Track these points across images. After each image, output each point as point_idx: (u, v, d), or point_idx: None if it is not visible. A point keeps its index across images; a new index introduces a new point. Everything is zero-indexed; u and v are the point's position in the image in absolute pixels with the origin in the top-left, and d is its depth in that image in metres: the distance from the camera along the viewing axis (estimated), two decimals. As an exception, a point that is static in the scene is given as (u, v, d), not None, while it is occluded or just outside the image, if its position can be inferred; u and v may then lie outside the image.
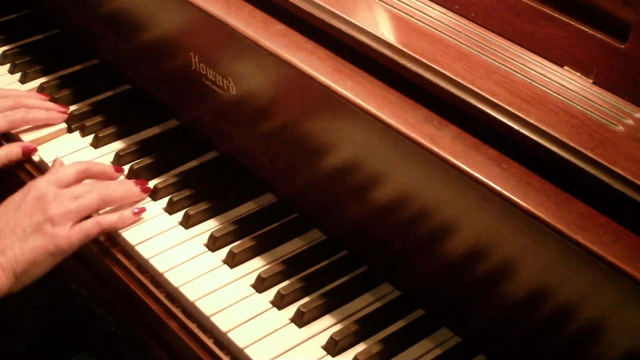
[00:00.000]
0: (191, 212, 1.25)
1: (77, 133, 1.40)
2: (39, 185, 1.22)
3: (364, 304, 1.16)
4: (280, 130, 1.23)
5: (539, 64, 1.10)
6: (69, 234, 1.18)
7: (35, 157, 1.36)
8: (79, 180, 1.26)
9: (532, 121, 0.99)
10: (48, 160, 1.34)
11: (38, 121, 1.39)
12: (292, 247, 1.23)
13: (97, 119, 1.41)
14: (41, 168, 1.35)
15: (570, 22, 1.09)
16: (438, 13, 1.18)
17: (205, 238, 1.23)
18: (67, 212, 1.19)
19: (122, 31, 1.46)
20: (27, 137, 1.38)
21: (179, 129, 1.43)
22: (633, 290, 0.89)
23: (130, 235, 1.22)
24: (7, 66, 1.53)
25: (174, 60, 1.36)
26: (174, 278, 1.17)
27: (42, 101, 1.43)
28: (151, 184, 1.30)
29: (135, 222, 1.24)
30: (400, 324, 1.14)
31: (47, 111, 1.41)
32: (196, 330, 1.13)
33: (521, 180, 0.98)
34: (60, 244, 1.17)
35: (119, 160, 1.34)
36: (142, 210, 1.25)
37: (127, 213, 1.23)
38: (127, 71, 1.50)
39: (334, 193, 1.20)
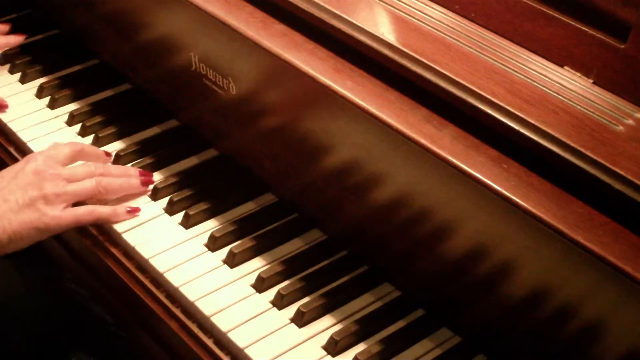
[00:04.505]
0: (191, 212, 1.25)
1: (75, 128, 1.41)
2: (38, 158, 1.23)
3: (364, 304, 1.16)
4: (280, 130, 1.23)
5: (539, 64, 1.10)
6: (60, 215, 1.19)
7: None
8: (74, 159, 1.27)
9: (532, 121, 0.99)
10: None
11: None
12: (292, 247, 1.23)
13: (97, 119, 1.41)
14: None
15: (570, 22, 1.09)
16: (438, 13, 1.18)
17: (205, 238, 1.23)
18: (63, 193, 1.20)
19: (122, 31, 1.46)
20: (25, 136, 1.38)
21: (179, 129, 1.43)
22: (633, 290, 0.89)
23: (130, 235, 1.22)
24: (7, 66, 1.53)
25: (174, 60, 1.36)
26: (174, 278, 1.17)
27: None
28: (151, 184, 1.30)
29: (127, 219, 1.23)
30: (400, 324, 1.14)
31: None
32: (196, 330, 1.13)
33: (521, 180, 0.98)
34: (49, 223, 1.18)
35: (118, 160, 1.34)
36: (136, 209, 1.25)
37: (121, 209, 1.23)
38: (127, 71, 1.50)
39: (334, 193, 1.20)
